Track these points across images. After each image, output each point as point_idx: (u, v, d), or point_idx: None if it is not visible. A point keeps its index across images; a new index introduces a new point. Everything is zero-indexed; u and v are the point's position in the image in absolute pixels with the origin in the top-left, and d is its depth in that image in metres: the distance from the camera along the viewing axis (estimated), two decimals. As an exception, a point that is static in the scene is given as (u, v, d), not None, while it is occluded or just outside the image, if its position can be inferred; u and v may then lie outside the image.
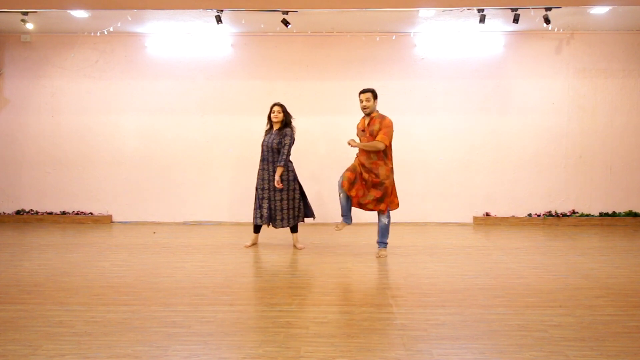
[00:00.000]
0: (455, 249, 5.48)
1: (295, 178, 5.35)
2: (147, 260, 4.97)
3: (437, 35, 6.73)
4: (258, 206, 5.36)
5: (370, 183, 4.91)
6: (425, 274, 4.52)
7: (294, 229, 5.47)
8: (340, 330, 3.25)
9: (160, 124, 6.95)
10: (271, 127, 5.39)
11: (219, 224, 6.93)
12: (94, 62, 6.93)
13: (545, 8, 5.49)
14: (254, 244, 5.59)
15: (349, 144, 4.90)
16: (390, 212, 5.08)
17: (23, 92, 6.99)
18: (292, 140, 5.26)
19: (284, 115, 5.30)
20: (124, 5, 5.29)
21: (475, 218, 6.90)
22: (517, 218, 6.88)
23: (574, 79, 6.80)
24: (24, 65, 6.96)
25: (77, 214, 7.00)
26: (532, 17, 5.89)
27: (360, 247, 5.50)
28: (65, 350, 2.94)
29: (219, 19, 5.81)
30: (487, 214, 6.91)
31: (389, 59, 6.81)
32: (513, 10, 5.62)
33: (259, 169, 5.38)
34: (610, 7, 5.58)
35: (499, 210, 6.92)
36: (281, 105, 5.32)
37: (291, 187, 5.29)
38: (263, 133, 5.52)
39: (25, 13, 5.75)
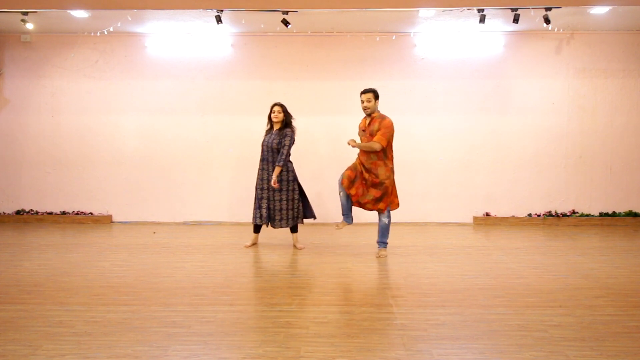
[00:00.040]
0: (455, 249, 5.48)
1: (295, 178, 5.34)
2: (147, 260, 4.97)
3: (437, 35, 6.73)
4: (257, 206, 5.36)
5: (370, 183, 4.92)
6: (425, 274, 4.52)
7: (293, 229, 5.47)
8: (340, 330, 3.25)
9: (160, 124, 6.95)
10: (271, 127, 5.39)
11: (219, 224, 6.93)
12: (94, 62, 6.94)
13: (545, 8, 5.49)
14: (254, 244, 5.59)
15: (348, 143, 4.91)
16: (391, 212, 5.08)
17: (23, 92, 6.99)
18: (292, 141, 5.26)
19: (284, 115, 5.29)
20: (124, 5, 5.29)
21: (475, 218, 6.90)
22: (517, 218, 6.88)
23: (574, 79, 6.80)
24: (24, 65, 6.96)
25: (77, 214, 7.00)
26: (532, 17, 5.89)
27: (360, 247, 5.50)
28: (65, 350, 2.94)
29: (219, 19, 5.81)
30: (487, 214, 6.91)
31: (389, 59, 6.81)
32: (513, 10, 5.62)
33: (259, 169, 5.38)
34: (610, 7, 5.58)
35: (499, 210, 6.92)
36: (281, 105, 5.32)
37: (290, 188, 5.29)
38: (263, 133, 5.52)
39: (25, 13, 5.75)
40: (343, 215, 5.13)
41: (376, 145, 4.79)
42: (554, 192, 6.89)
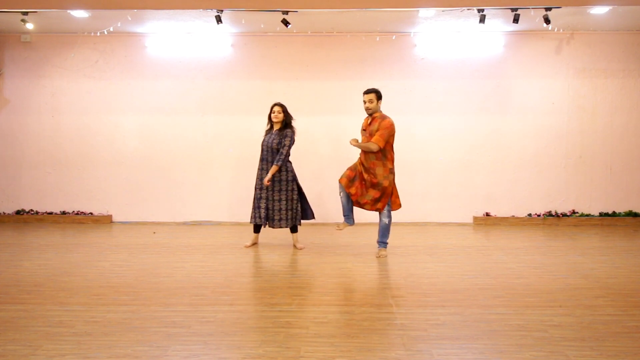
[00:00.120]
0: (455, 249, 5.48)
1: (295, 178, 5.34)
2: (147, 260, 4.97)
3: (437, 35, 6.73)
4: (256, 206, 5.36)
5: (369, 183, 4.92)
6: (425, 274, 4.52)
7: (293, 229, 5.47)
8: (340, 330, 3.25)
9: (160, 124, 6.95)
10: (271, 127, 5.39)
11: (219, 224, 6.93)
12: (94, 62, 6.94)
13: (545, 8, 5.49)
14: (254, 244, 5.59)
15: (350, 143, 4.93)
16: (392, 212, 5.09)
17: (23, 92, 6.99)
18: (292, 141, 5.26)
19: (284, 116, 5.29)
20: (124, 5, 5.29)
21: (475, 218, 6.90)
22: (517, 218, 6.88)
23: (574, 79, 6.80)
24: (24, 65, 6.96)
25: (77, 214, 7.00)
26: (532, 17, 5.88)
27: (360, 247, 5.50)
28: (65, 350, 2.94)
29: (219, 19, 5.81)
30: (487, 214, 6.91)
31: (389, 59, 6.81)
32: (513, 10, 5.62)
33: (258, 169, 5.37)
34: (610, 7, 5.57)
35: (499, 210, 6.92)
36: (281, 106, 5.32)
37: (290, 188, 5.29)
38: (263, 133, 5.52)
39: (25, 13, 5.75)
40: (344, 216, 5.14)
41: (373, 146, 4.80)
42: (554, 192, 6.89)
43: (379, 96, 4.95)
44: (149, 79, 6.91)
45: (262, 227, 5.45)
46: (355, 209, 5.21)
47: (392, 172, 4.96)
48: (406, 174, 6.59)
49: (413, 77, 6.82)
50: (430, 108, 6.84)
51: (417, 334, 3.19)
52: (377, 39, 6.73)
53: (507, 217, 6.88)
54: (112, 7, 5.35)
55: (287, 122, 5.30)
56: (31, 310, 3.58)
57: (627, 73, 6.78)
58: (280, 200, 5.26)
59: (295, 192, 5.33)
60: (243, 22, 6.20)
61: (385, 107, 5.60)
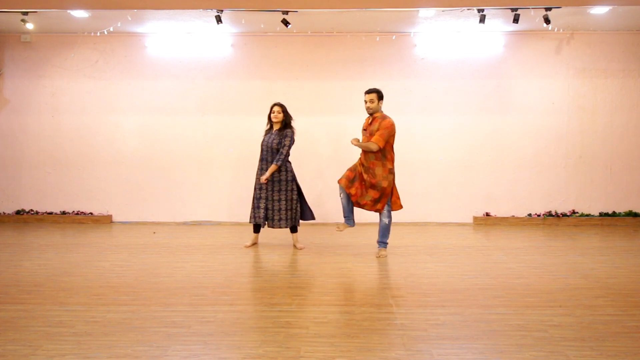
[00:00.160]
0: (455, 249, 5.48)
1: (294, 179, 5.34)
2: (147, 260, 4.97)
3: (437, 35, 6.73)
4: (256, 206, 5.36)
5: (369, 183, 4.92)
6: (425, 274, 4.52)
7: (293, 229, 5.47)
8: (340, 330, 3.25)
9: (160, 124, 6.94)
10: (271, 127, 5.39)
11: (218, 224, 6.93)
12: (94, 62, 6.93)
13: (545, 8, 5.49)
14: (254, 244, 5.59)
15: (351, 142, 4.93)
16: (393, 212, 5.09)
17: (23, 92, 6.99)
18: (292, 141, 5.26)
19: (284, 116, 5.29)
20: (124, 5, 5.29)
21: (475, 218, 6.90)
22: (517, 218, 6.88)
23: (574, 79, 6.80)
24: (24, 65, 6.96)
25: (77, 214, 7.00)
26: (532, 17, 5.88)
27: (360, 247, 5.50)
28: (65, 350, 2.94)
29: (219, 19, 5.81)
30: (487, 214, 6.91)
31: (389, 59, 6.81)
32: (513, 10, 5.62)
33: (258, 169, 5.37)
34: (610, 7, 5.57)
35: (499, 210, 6.92)
36: (281, 106, 5.32)
37: (289, 188, 5.29)
38: (263, 133, 5.52)
39: (25, 13, 5.75)
40: (344, 217, 5.14)
41: (373, 145, 4.80)
42: (554, 192, 6.89)
43: (380, 96, 4.95)
44: (149, 79, 6.91)
45: (262, 227, 5.45)
46: (356, 210, 5.21)
47: (391, 172, 4.95)
48: (406, 174, 6.59)
49: (413, 77, 6.82)
50: (430, 108, 6.84)
51: (417, 334, 3.19)
52: (377, 39, 6.73)
53: (507, 217, 6.88)
54: (112, 7, 5.35)
55: (286, 122, 5.29)
56: (31, 310, 3.58)
57: (627, 73, 6.78)
58: (279, 200, 5.26)
59: (295, 192, 5.33)
60: (243, 22, 6.20)
61: (385, 107, 5.59)
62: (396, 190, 5.07)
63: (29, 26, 6.16)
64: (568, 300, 3.81)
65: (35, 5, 5.42)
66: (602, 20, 6.23)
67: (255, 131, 6.29)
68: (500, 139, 6.86)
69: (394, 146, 5.02)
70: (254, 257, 5.15)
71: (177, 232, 6.42)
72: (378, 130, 4.84)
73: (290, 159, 5.34)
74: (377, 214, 5.15)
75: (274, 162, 5.18)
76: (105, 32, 6.58)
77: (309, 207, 5.46)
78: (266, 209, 5.27)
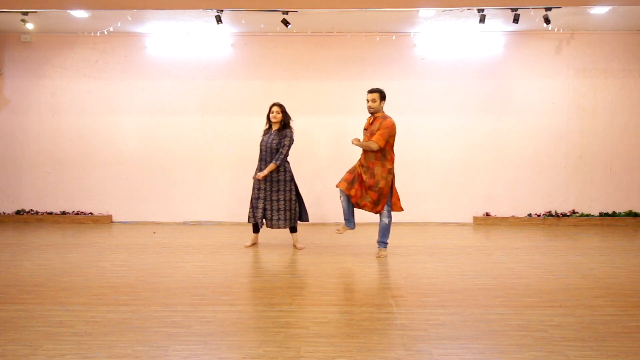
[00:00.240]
0: (455, 249, 5.48)
1: (292, 179, 5.34)
2: (147, 260, 4.97)
3: (437, 35, 6.73)
4: (254, 206, 5.35)
5: (368, 185, 4.92)
6: (425, 274, 4.52)
7: (293, 229, 5.47)
8: (340, 330, 3.25)
9: (160, 124, 6.94)
10: (270, 127, 5.39)
11: (218, 224, 6.93)
12: (94, 62, 6.93)
13: (545, 8, 5.49)
14: (254, 244, 5.59)
15: (352, 142, 4.93)
16: (393, 213, 5.08)
17: (23, 92, 6.99)
18: (292, 141, 5.26)
19: (283, 116, 5.29)
20: (124, 5, 5.28)
21: (475, 218, 6.90)
22: (517, 218, 6.88)
23: (574, 79, 6.80)
24: (24, 65, 6.96)
25: (77, 214, 7.00)
26: (532, 17, 5.88)
27: (360, 247, 5.50)
28: (65, 350, 2.94)
29: (219, 19, 5.81)
30: (487, 214, 6.91)
31: (389, 59, 6.81)
32: (513, 10, 5.62)
33: (257, 169, 5.37)
34: (610, 7, 5.57)
35: (499, 210, 6.92)
36: (280, 106, 5.32)
37: (288, 188, 5.29)
38: (262, 133, 5.52)
39: (25, 13, 5.75)
40: (345, 220, 5.14)
41: (373, 145, 4.80)
42: (554, 192, 6.89)
43: (382, 96, 4.95)
44: (149, 79, 6.91)
45: (260, 226, 5.45)
46: (356, 210, 5.21)
47: (390, 172, 4.94)
48: (406, 174, 6.59)
49: (413, 77, 6.82)
50: (430, 108, 6.84)
51: (417, 334, 3.19)
52: (377, 39, 6.73)
53: (507, 217, 6.88)
54: (112, 7, 5.35)
55: (285, 122, 5.29)
56: (31, 310, 3.58)
57: (627, 73, 6.78)
58: (278, 200, 5.26)
59: (293, 193, 5.33)
60: (243, 22, 6.20)
61: (385, 107, 5.59)
62: (396, 191, 5.07)
63: (29, 26, 6.16)
64: (568, 300, 3.81)
65: (35, 5, 5.42)
66: (602, 20, 6.23)
67: (255, 131, 6.28)
68: (500, 139, 6.86)
69: (394, 147, 5.02)
70: (254, 257, 5.15)
71: (177, 232, 6.42)
72: (379, 129, 4.83)
73: (289, 159, 5.34)
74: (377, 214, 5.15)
75: (273, 162, 5.17)
76: (105, 32, 6.58)
77: (305, 209, 5.45)
78: (264, 209, 5.27)
